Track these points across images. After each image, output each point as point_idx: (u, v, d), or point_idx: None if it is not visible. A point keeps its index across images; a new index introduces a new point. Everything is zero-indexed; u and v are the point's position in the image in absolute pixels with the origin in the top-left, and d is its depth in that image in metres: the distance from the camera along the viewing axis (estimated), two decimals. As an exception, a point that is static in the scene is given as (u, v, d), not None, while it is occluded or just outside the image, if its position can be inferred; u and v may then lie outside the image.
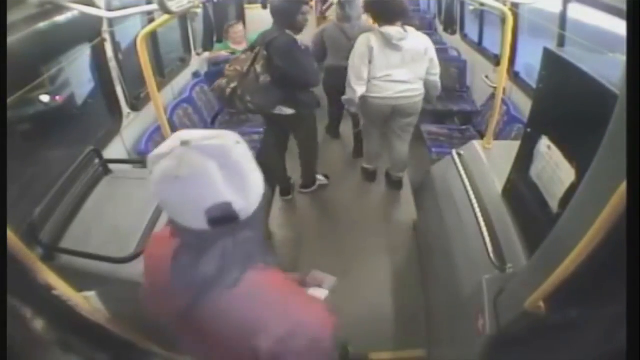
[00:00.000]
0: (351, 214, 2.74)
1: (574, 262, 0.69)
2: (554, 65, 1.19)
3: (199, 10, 1.58)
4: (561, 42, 2.09)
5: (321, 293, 1.04)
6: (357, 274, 2.17)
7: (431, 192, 2.02)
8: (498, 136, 2.47)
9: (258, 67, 2.19)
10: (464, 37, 3.89)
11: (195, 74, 3.45)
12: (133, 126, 2.36)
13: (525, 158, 1.32)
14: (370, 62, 2.38)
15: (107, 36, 2.05)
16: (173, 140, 0.64)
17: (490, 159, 1.75)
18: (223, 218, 0.63)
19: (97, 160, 1.76)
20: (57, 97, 2.05)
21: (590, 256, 0.66)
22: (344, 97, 2.51)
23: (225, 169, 0.61)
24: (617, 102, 0.64)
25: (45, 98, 1.95)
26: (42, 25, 1.48)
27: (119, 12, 1.52)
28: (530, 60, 2.68)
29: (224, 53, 3.65)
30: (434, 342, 1.73)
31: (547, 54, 1.21)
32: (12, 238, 0.92)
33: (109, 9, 1.65)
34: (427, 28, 4.68)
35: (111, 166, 1.80)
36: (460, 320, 1.35)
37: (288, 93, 2.28)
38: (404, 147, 2.73)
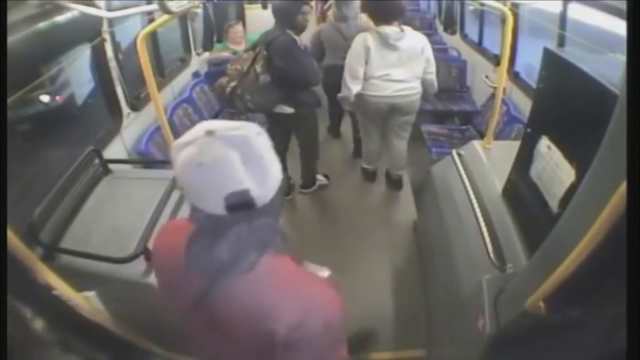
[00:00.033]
0: (351, 214, 2.74)
1: (574, 262, 0.69)
2: (554, 65, 1.19)
3: (199, 10, 1.58)
4: (561, 42, 2.09)
5: (324, 273, 1.05)
6: (357, 274, 2.17)
7: (431, 192, 2.02)
8: (498, 136, 2.47)
9: (258, 67, 2.20)
10: (464, 37, 3.89)
11: (195, 74, 3.45)
12: (133, 126, 2.35)
13: (525, 158, 1.32)
14: (367, 61, 2.40)
15: (107, 36, 2.04)
16: (198, 129, 0.66)
17: (490, 159, 1.75)
18: (241, 204, 0.65)
19: (97, 160, 1.75)
20: (57, 97, 2.05)
21: (590, 256, 0.66)
22: (339, 95, 2.53)
23: (246, 158, 0.63)
24: (617, 102, 0.64)
25: (45, 98, 1.95)
26: (42, 25, 1.48)
27: (119, 12, 1.52)
28: (530, 60, 2.68)
29: (225, 53, 3.65)
30: (434, 342, 1.73)
31: (547, 54, 1.21)
32: (12, 238, 0.92)
33: (109, 9, 1.65)
34: (427, 28, 4.67)
35: (111, 166, 1.80)
36: (460, 320, 1.35)
37: (288, 92, 2.29)
38: (402, 144, 2.75)
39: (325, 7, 4.55)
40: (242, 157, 0.63)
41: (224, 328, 0.73)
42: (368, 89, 2.47)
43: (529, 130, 1.33)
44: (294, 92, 2.31)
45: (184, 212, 1.58)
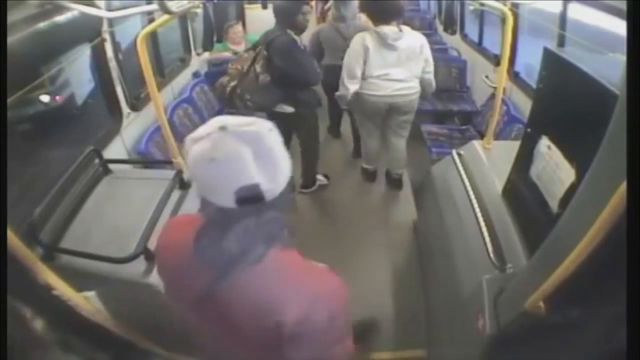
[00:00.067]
0: (351, 214, 2.74)
1: (574, 262, 0.69)
2: (554, 65, 1.19)
3: (199, 10, 1.58)
4: (561, 42, 2.09)
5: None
6: (357, 274, 2.17)
7: (431, 192, 2.02)
8: (498, 136, 2.47)
9: (258, 67, 2.20)
10: (464, 37, 3.89)
11: (195, 74, 3.45)
12: (133, 126, 2.35)
13: (525, 158, 1.32)
14: (366, 61, 2.41)
15: (107, 36, 2.04)
16: (211, 124, 0.68)
17: (490, 159, 1.75)
18: (251, 198, 0.66)
19: (97, 160, 1.75)
20: (57, 97, 2.05)
21: (590, 256, 0.66)
22: (336, 94, 2.55)
23: (257, 153, 0.64)
24: (617, 102, 0.64)
25: (45, 98, 1.95)
26: (42, 25, 1.48)
27: (119, 12, 1.52)
28: (530, 60, 2.68)
29: (225, 54, 3.65)
30: (434, 342, 1.73)
31: (547, 54, 1.21)
32: (12, 238, 0.92)
33: (109, 9, 1.65)
34: (427, 28, 4.68)
35: (111, 166, 1.80)
36: (460, 320, 1.35)
37: (288, 92, 2.29)
38: (401, 143, 2.76)
39: (326, 7, 4.55)
40: (254, 152, 0.64)
41: (231, 322, 0.74)
42: (367, 89, 2.48)
43: (529, 130, 1.33)
44: (294, 92, 2.31)
45: (184, 212, 1.58)
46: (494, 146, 1.86)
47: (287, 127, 2.55)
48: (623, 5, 0.85)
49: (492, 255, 1.28)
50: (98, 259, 1.31)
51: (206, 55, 3.66)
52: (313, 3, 4.45)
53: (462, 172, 1.71)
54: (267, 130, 0.68)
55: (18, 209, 1.39)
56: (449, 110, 3.43)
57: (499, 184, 1.52)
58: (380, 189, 2.98)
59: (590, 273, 0.70)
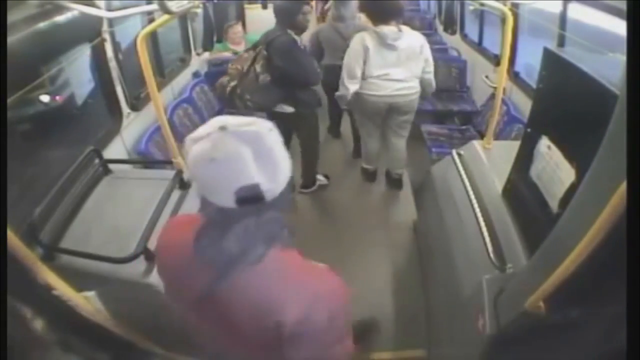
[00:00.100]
0: (351, 214, 2.74)
1: (574, 262, 0.69)
2: (554, 65, 1.19)
3: (199, 10, 1.58)
4: (561, 42, 2.09)
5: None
6: (357, 274, 2.17)
7: (431, 192, 2.02)
8: (498, 136, 2.47)
9: (257, 67, 2.20)
10: (464, 37, 3.89)
11: (195, 74, 3.45)
12: (133, 126, 2.35)
13: (525, 158, 1.32)
14: (366, 61, 2.41)
15: (107, 36, 2.04)
16: (211, 124, 0.68)
17: (490, 159, 1.75)
18: (251, 198, 0.66)
19: (97, 160, 1.75)
20: (57, 97, 2.05)
21: (590, 256, 0.66)
22: (336, 94, 2.55)
23: (257, 153, 0.65)
24: (617, 102, 0.64)
25: (45, 98, 1.95)
26: (42, 25, 1.48)
27: (119, 12, 1.52)
28: (530, 60, 2.68)
29: (225, 54, 3.65)
30: (434, 342, 1.73)
31: (547, 54, 1.21)
32: (12, 238, 0.92)
33: (109, 9, 1.65)
34: (427, 28, 4.68)
35: (111, 166, 1.80)
36: (460, 320, 1.35)
37: (288, 92, 2.29)
38: (401, 143, 2.76)
39: (326, 7, 4.55)
40: (254, 152, 0.64)
41: (231, 322, 0.74)
42: (367, 89, 2.48)
43: (529, 130, 1.33)
44: (294, 92, 2.31)
45: (184, 212, 1.58)
46: (494, 146, 1.86)
47: (287, 127, 2.55)
48: (623, 5, 0.85)
49: (492, 255, 1.28)
50: (98, 259, 1.31)
51: (206, 55, 3.66)
52: (313, 3, 4.45)
53: (462, 172, 1.71)
54: (267, 130, 0.68)
55: (18, 209, 1.39)
56: (449, 110, 3.43)
57: (499, 184, 1.52)
58: (380, 189, 2.98)
59: (590, 273, 0.70)
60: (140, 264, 1.34)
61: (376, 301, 2.06)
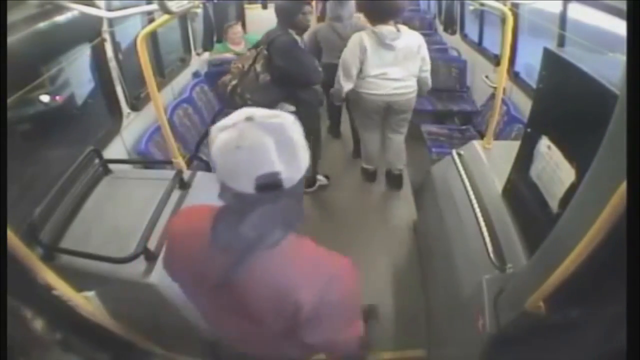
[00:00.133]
0: (351, 214, 2.74)
1: (574, 262, 0.69)
2: (554, 65, 1.19)
3: (199, 10, 1.58)
4: (561, 42, 2.09)
5: None
6: (357, 274, 2.17)
7: (431, 192, 2.02)
8: (498, 136, 2.47)
9: (258, 66, 2.20)
10: (464, 37, 3.89)
11: (195, 74, 3.45)
12: (133, 126, 2.35)
13: (525, 158, 1.32)
14: (364, 60, 2.42)
15: (107, 36, 2.04)
16: (238, 114, 0.71)
17: (490, 159, 1.75)
18: (270, 185, 0.69)
19: (97, 160, 1.75)
20: (57, 97, 2.04)
21: (590, 256, 0.66)
22: (331, 90, 2.56)
23: (280, 143, 0.68)
24: (617, 102, 0.64)
25: (45, 98, 1.95)
26: (42, 25, 1.48)
27: (119, 12, 1.52)
28: (530, 60, 2.68)
29: (226, 54, 3.65)
30: (434, 342, 1.73)
31: (547, 54, 1.21)
32: (12, 238, 0.92)
33: (109, 9, 1.65)
34: (427, 28, 4.68)
35: (111, 166, 1.80)
36: (460, 320, 1.35)
37: (289, 91, 2.29)
38: (400, 138, 2.78)
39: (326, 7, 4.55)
40: (276, 143, 0.68)
41: (249, 307, 0.77)
42: (365, 88, 2.50)
43: (529, 130, 1.33)
44: (295, 91, 2.31)
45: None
46: (494, 146, 1.86)
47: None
48: (623, 5, 0.85)
49: (492, 255, 1.28)
50: (98, 259, 1.31)
51: (206, 55, 3.65)
52: (314, 3, 4.44)
53: (462, 172, 1.71)
54: (290, 122, 0.72)
55: (18, 209, 1.39)
56: (449, 110, 3.43)
57: (499, 184, 1.52)
58: (380, 189, 2.98)
59: (590, 273, 0.70)
60: (140, 264, 1.33)
61: (376, 301, 2.06)
